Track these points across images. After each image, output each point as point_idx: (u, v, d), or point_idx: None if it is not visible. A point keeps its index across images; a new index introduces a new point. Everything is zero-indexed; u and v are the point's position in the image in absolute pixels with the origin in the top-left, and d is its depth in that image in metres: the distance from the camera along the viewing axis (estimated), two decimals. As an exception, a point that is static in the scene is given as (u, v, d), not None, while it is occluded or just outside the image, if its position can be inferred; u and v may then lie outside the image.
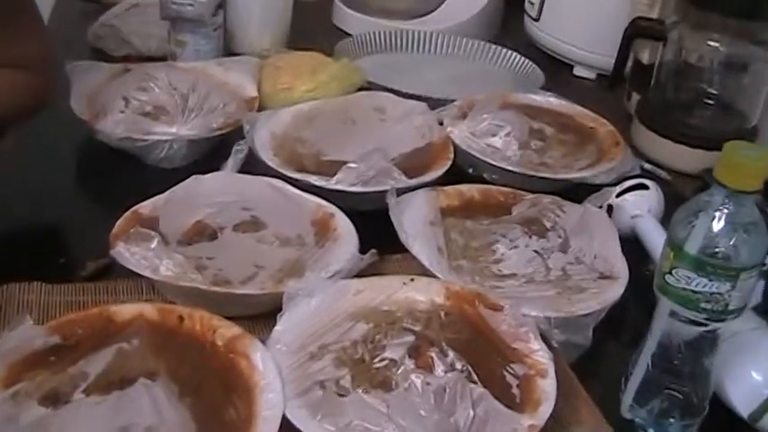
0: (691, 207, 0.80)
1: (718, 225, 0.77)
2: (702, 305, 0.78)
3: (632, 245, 1.07)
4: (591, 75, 1.63)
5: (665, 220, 1.10)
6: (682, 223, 0.79)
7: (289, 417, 0.75)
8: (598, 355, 0.92)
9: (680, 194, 1.22)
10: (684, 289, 0.79)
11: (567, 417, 0.84)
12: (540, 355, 0.84)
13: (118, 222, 0.96)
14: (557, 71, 1.61)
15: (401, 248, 0.99)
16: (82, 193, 1.16)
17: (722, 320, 0.80)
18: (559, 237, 1.01)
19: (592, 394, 0.88)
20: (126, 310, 0.85)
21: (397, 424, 0.74)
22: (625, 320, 0.99)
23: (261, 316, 0.89)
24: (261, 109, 1.24)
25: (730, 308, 0.78)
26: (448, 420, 0.74)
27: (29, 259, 0.99)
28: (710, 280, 0.77)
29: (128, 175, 1.15)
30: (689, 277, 0.78)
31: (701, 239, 0.77)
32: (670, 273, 0.79)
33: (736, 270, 0.77)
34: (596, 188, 1.15)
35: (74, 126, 1.17)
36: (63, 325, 0.82)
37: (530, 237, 1.01)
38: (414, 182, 1.09)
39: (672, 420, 0.85)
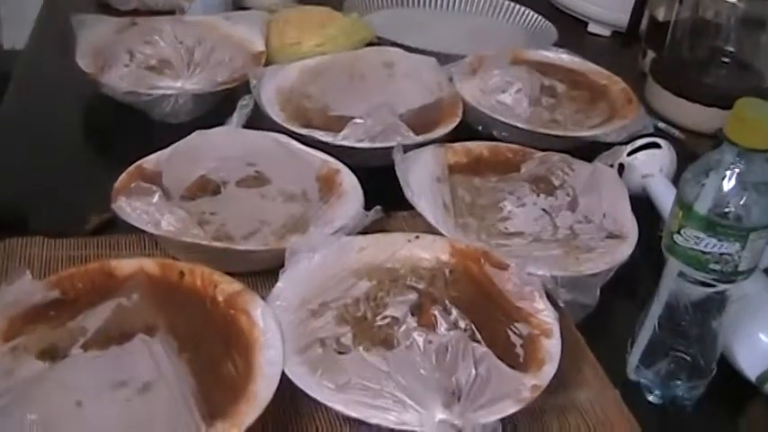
0: (701, 166, 0.78)
1: (728, 184, 0.75)
2: (711, 266, 0.77)
3: (643, 204, 1.05)
4: (605, 32, 1.60)
5: (678, 180, 1.08)
6: (691, 182, 0.78)
7: (288, 374, 0.75)
8: (604, 315, 0.90)
9: (694, 154, 1.18)
10: (693, 249, 0.77)
11: (571, 378, 0.83)
12: (546, 314, 0.83)
13: (120, 177, 0.95)
14: (571, 28, 1.59)
15: (407, 205, 0.98)
16: (86, 147, 1.16)
17: (731, 282, 0.78)
18: (568, 195, 1.00)
19: (597, 355, 0.87)
20: (126, 265, 0.84)
21: (396, 382, 0.73)
22: (633, 281, 0.97)
23: (263, 272, 0.88)
24: (268, 64, 1.22)
25: (740, 269, 0.77)
26: (449, 379, 0.73)
27: (31, 213, 0.98)
28: (720, 240, 0.75)
29: (132, 130, 1.14)
30: (698, 237, 0.76)
31: (710, 199, 0.76)
32: (678, 233, 0.78)
33: (747, 230, 0.75)
34: (607, 146, 1.13)
35: (78, 80, 1.16)
36: (63, 279, 0.81)
37: (537, 195, 0.99)
38: (421, 138, 1.07)
39: (678, 382, 0.84)
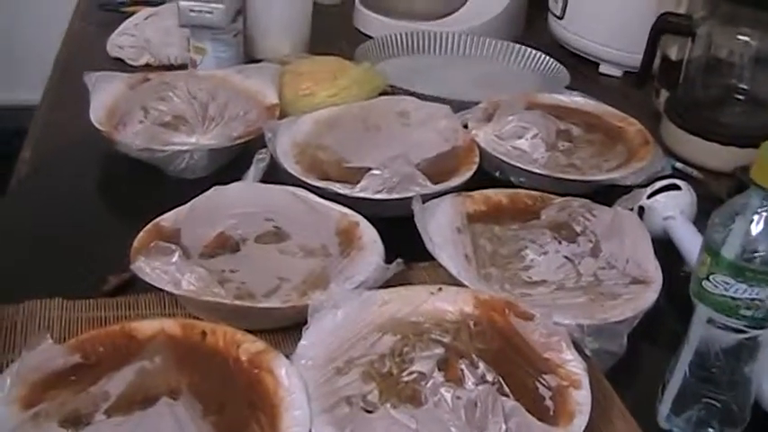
0: (727, 210, 0.77)
1: (756, 228, 0.74)
2: (742, 312, 0.76)
3: (665, 247, 1.04)
4: (617, 72, 1.60)
5: (699, 221, 1.07)
6: (718, 227, 0.77)
7: (315, 434, 0.74)
8: (632, 363, 0.89)
9: (713, 194, 1.19)
10: (723, 295, 0.76)
11: (601, 429, 0.81)
12: (574, 365, 0.82)
13: (139, 236, 0.94)
14: (582, 70, 1.59)
15: (427, 256, 0.97)
16: (102, 205, 1.15)
17: (763, 327, 0.77)
18: (590, 241, 0.99)
19: (626, 404, 0.85)
20: (147, 327, 0.83)
21: (427, 441, 0.71)
22: (659, 326, 0.96)
23: (285, 329, 0.87)
24: (282, 116, 1.22)
25: (771, 314, 0.76)
26: (481, 435, 0.72)
27: (49, 274, 0.98)
28: (750, 286, 0.74)
29: (149, 187, 1.14)
30: (727, 283, 0.75)
31: (738, 244, 0.75)
32: (707, 279, 0.77)
33: (777, 275, 0.74)
34: (626, 189, 1.13)
35: (93, 137, 1.16)
36: (83, 343, 0.81)
37: (559, 242, 0.98)
38: (439, 187, 1.06)
39: (711, 430, 0.82)
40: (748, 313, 0.76)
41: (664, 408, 0.84)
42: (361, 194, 1.04)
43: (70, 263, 1.00)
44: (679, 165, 1.28)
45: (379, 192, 1.04)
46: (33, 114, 1.34)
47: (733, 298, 0.75)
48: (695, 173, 1.28)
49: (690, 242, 1.03)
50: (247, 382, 0.79)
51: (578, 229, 1.00)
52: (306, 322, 0.84)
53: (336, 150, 1.14)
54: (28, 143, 1.26)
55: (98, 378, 0.76)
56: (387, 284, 0.91)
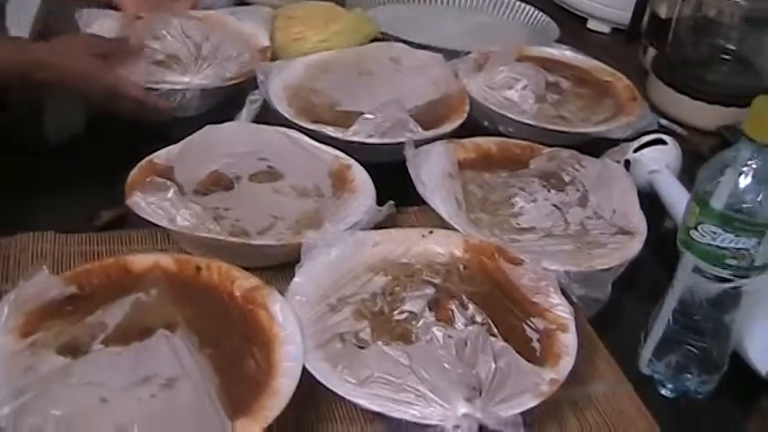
0: (717, 162, 0.78)
1: (744, 180, 0.76)
2: (728, 261, 0.78)
3: (649, 200, 1.06)
4: (605, 29, 1.61)
5: (683, 177, 1.09)
6: (708, 179, 0.78)
7: (309, 369, 0.75)
8: (614, 310, 0.91)
9: (696, 151, 1.21)
10: (710, 245, 0.78)
11: (585, 372, 0.84)
12: (561, 309, 0.84)
13: (132, 172, 0.95)
14: (570, 25, 1.59)
15: (417, 201, 0.98)
16: (95, 142, 1.15)
17: (747, 277, 0.79)
18: (578, 191, 1.00)
19: (609, 349, 0.88)
20: (142, 260, 0.84)
21: (419, 376, 0.73)
22: (641, 276, 0.98)
23: (278, 267, 0.88)
24: (273, 59, 1.22)
25: (756, 264, 0.77)
26: (470, 373, 0.73)
27: (41, 209, 0.98)
28: (736, 236, 0.76)
29: (141, 125, 1.13)
30: (714, 233, 0.77)
31: (727, 195, 0.76)
32: (695, 228, 0.78)
33: (763, 226, 0.76)
34: (613, 143, 1.14)
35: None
36: (79, 275, 0.81)
37: (548, 190, 1.00)
38: (430, 134, 1.07)
39: (689, 375, 0.84)
40: (734, 263, 0.77)
41: (646, 353, 0.86)
42: (354, 138, 1.05)
43: (62, 198, 1.00)
44: (664, 121, 1.29)
45: (371, 136, 1.05)
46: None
47: (720, 247, 0.77)
48: (680, 130, 1.29)
49: (674, 195, 1.05)
50: (242, 318, 0.80)
51: (567, 178, 1.01)
52: (299, 261, 0.86)
53: (329, 94, 1.14)
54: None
55: (94, 309, 0.77)
56: (378, 227, 0.93)
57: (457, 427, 0.71)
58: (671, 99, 1.33)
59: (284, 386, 0.72)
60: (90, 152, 1.09)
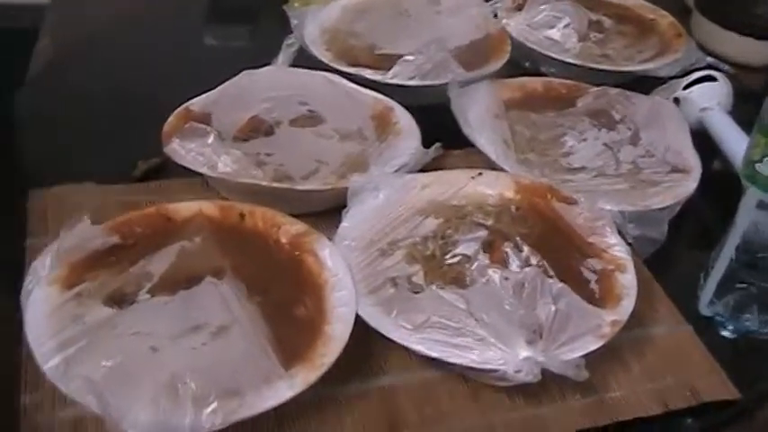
0: (784, 91, 0.75)
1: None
2: (796, 194, 0.74)
3: (697, 139, 1.02)
4: (645, -34, 1.56)
5: (733, 115, 1.05)
6: (774, 108, 0.75)
7: (362, 315, 0.73)
8: (668, 252, 0.88)
9: (747, 89, 1.17)
10: (777, 177, 0.74)
11: (644, 314, 0.81)
12: (619, 249, 0.81)
13: (169, 119, 0.92)
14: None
15: (462, 143, 0.96)
16: (126, 92, 1.12)
17: (815, 210, 0.75)
18: (629, 129, 0.97)
19: (665, 291, 0.85)
20: (184, 209, 0.82)
21: (479, 319, 0.71)
22: (693, 217, 0.95)
23: (324, 213, 0.85)
24: (307, 4, 1.19)
25: (825, 196, 0.74)
26: (531, 315, 0.71)
27: (76, 161, 0.95)
28: (806, 166, 0.73)
29: (174, 74, 1.11)
30: (782, 164, 0.74)
31: (794, 125, 0.73)
32: (761, 161, 0.75)
33: (834, 155, 0.72)
34: (660, 81, 1.11)
35: (113, 29, 1.12)
36: (120, 225, 0.79)
37: (599, 129, 0.97)
38: (473, 74, 1.04)
39: (748, 315, 0.82)
40: (802, 195, 0.74)
41: (707, 294, 0.83)
42: (394, 80, 1.02)
43: (97, 149, 0.98)
44: (711, 59, 1.25)
45: (412, 78, 1.02)
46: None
47: (787, 180, 0.74)
48: (727, 68, 1.25)
49: (728, 133, 1.02)
50: (290, 264, 0.78)
51: (617, 117, 0.99)
52: (345, 206, 0.83)
53: (367, 37, 1.11)
54: (44, 33, 1.22)
55: (138, 259, 0.75)
56: (424, 169, 0.90)
57: (519, 371, 0.69)
58: (717, 36, 1.28)
59: (338, 332, 0.70)
60: (124, 101, 1.07)
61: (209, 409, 0.62)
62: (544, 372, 0.69)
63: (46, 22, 1.25)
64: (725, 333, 0.83)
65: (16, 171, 0.94)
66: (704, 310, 0.84)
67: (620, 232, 0.83)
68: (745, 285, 0.81)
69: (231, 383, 0.64)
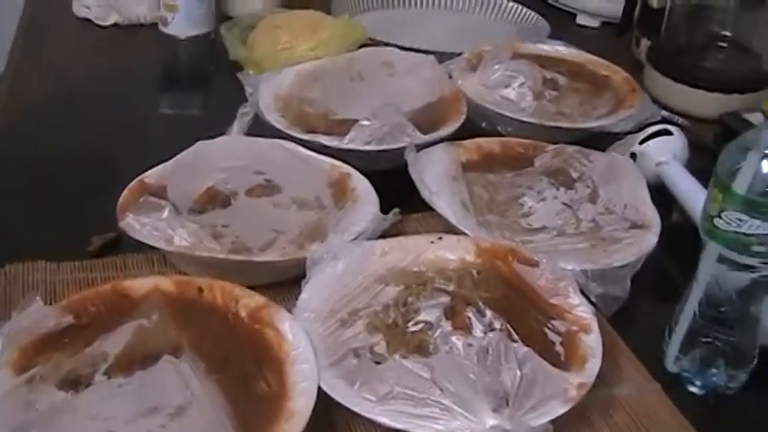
0: (738, 145, 0.75)
1: (769, 162, 0.72)
2: (755, 248, 0.74)
3: (658, 192, 1.03)
4: (595, 23, 1.58)
5: (689, 167, 1.06)
6: (728, 163, 0.75)
7: (324, 388, 0.71)
8: (631, 308, 0.87)
9: (700, 141, 1.18)
10: (735, 232, 0.74)
11: (611, 373, 0.80)
12: (582, 309, 0.80)
13: (124, 193, 0.90)
14: (559, 21, 1.55)
15: (418, 207, 0.95)
16: (79, 166, 1.10)
17: (776, 264, 0.75)
18: (587, 186, 0.97)
19: (631, 349, 0.84)
20: (140, 285, 0.80)
21: (443, 388, 0.69)
22: (654, 272, 0.94)
23: (283, 283, 0.84)
24: (261, 71, 1.18)
25: (785, 250, 0.74)
26: (496, 382, 0.70)
27: (30, 238, 0.94)
28: (764, 221, 0.73)
29: (127, 146, 1.10)
30: (740, 219, 0.74)
31: (750, 179, 0.73)
32: (719, 216, 0.75)
33: (792, 209, 0.72)
34: (616, 137, 1.11)
35: (64, 98, 1.12)
36: (74, 303, 0.77)
37: (557, 188, 0.97)
38: (429, 137, 1.04)
39: (714, 370, 0.81)
40: (761, 249, 0.74)
41: (672, 350, 0.83)
42: (351, 146, 1.01)
43: (50, 225, 0.96)
44: (665, 113, 1.26)
45: (368, 143, 1.01)
46: (-1, 78, 1.30)
47: (746, 234, 0.74)
48: (681, 120, 1.26)
49: (685, 186, 1.02)
50: (249, 338, 0.76)
51: (575, 174, 0.99)
52: (304, 275, 0.82)
53: (322, 103, 1.11)
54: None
55: (92, 339, 0.73)
56: (383, 236, 0.89)
57: (486, 439, 0.67)
58: (670, 89, 1.30)
59: (300, 407, 0.68)
60: (77, 173, 1.05)
61: (169, 495, 0.60)
62: (512, 439, 0.68)
63: (2, 85, 1.24)
64: (693, 389, 0.82)
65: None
66: (671, 366, 0.83)
67: (582, 292, 0.83)
68: (710, 340, 0.80)
69: (191, 467, 0.63)
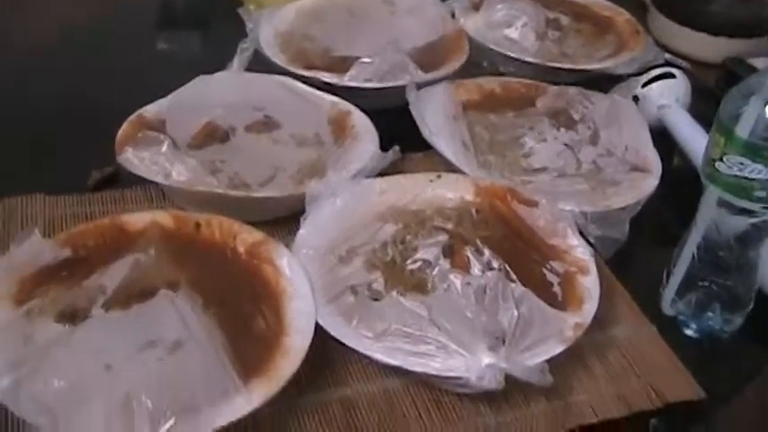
0: (741, 90, 0.74)
1: (772, 107, 0.72)
2: (756, 193, 0.73)
3: (659, 136, 1.02)
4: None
5: (691, 111, 1.05)
6: (731, 107, 0.74)
7: (322, 324, 0.71)
8: (632, 251, 0.87)
9: (702, 85, 1.17)
10: (736, 176, 0.74)
11: (607, 315, 0.80)
12: (581, 251, 0.80)
13: (122, 127, 0.90)
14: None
15: (420, 146, 0.95)
16: (77, 101, 1.09)
17: (776, 209, 0.75)
18: (588, 128, 0.97)
19: (628, 291, 0.84)
20: (138, 219, 0.80)
21: (440, 326, 0.70)
22: (653, 216, 0.94)
23: (281, 220, 0.84)
24: (261, 7, 1.17)
25: (785, 195, 0.74)
26: (493, 321, 0.70)
27: (28, 172, 0.93)
28: (766, 166, 0.72)
29: (127, 80, 1.08)
30: (742, 164, 0.73)
31: (752, 123, 0.72)
32: (720, 159, 0.74)
33: (794, 154, 0.72)
34: (618, 79, 1.10)
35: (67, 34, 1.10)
36: (73, 237, 0.77)
37: (558, 129, 0.96)
38: (430, 76, 1.03)
39: (710, 314, 0.81)
40: (762, 194, 0.73)
41: (669, 293, 0.83)
42: (351, 83, 1.00)
43: (48, 159, 0.95)
44: (668, 56, 1.25)
45: (369, 80, 1.00)
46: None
47: (747, 179, 0.73)
48: (684, 63, 1.25)
49: (686, 130, 1.01)
50: (247, 274, 0.76)
51: (576, 116, 0.98)
52: (302, 213, 0.82)
53: (322, 40, 1.10)
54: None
55: (90, 272, 0.73)
56: (382, 174, 0.89)
57: (481, 378, 0.68)
58: (673, 32, 1.28)
59: (297, 343, 0.69)
60: (76, 110, 1.05)
61: (166, 427, 0.61)
62: (508, 378, 0.68)
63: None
64: (688, 332, 0.82)
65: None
66: (667, 309, 0.83)
67: (581, 233, 0.83)
68: (707, 284, 0.80)
69: (188, 400, 0.63)
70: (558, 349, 0.71)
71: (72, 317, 0.69)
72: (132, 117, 0.92)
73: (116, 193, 0.90)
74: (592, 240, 0.84)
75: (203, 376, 0.65)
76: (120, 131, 0.89)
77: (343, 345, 0.71)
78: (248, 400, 0.64)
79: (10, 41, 1.19)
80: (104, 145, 0.88)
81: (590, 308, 0.75)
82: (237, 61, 1.02)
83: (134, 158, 0.85)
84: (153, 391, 0.62)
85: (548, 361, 0.70)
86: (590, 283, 0.77)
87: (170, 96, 0.95)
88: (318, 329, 0.71)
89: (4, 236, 0.83)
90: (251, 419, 0.65)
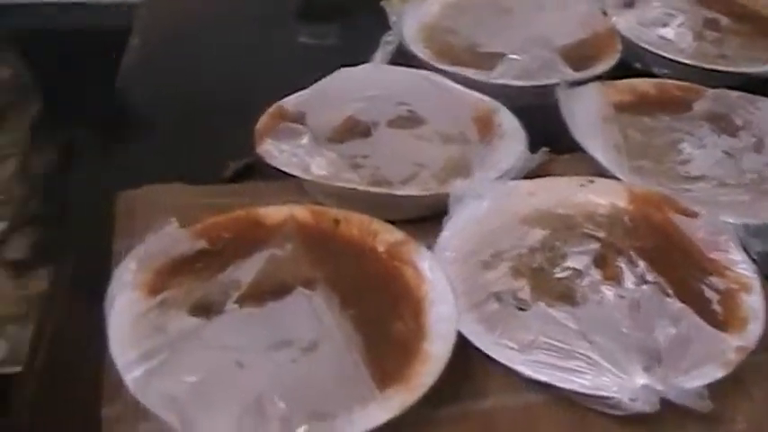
0: None
1: None
2: None
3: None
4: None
5: None
6: None
7: (463, 332, 0.67)
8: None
9: None
10: None
11: (769, 338, 0.74)
12: (744, 267, 0.74)
13: (262, 118, 0.88)
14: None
15: (568, 148, 0.90)
16: (217, 91, 1.09)
17: None
18: (753, 136, 0.90)
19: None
20: (275, 213, 0.77)
21: (591, 341, 0.65)
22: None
23: (423, 220, 0.80)
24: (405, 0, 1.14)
25: None
26: (651, 338, 0.65)
27: (166, 161, 0.93)
28: None
29: (267, 73, 1.07)
30: None
31: None
32: None
33: None
34: (780, 84, 1.03)
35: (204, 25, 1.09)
36: (208, 228, 0.75)
37: (718, 135, 0.90)
38: (582, 75, 0.98)
39: None
40: None
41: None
42: (499, 80, 0.96)
43: (187, 149, 0.95)
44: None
45: (518, 77, 0.97)
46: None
47: None
48: None
49: None
50: (386, 275, 0.73)
51: (739, 122, 0.92)
52: (444, 213, 0.78)
53: (468, 34, 1.07)
54: (135, 33, 1.20)
55: (225, 265, 0.71)
56: (529, 176, 0.84)
57: (635, 399, 0.63)
58: None
59: (438, 350, 0.65)
60: (215, 100, 1.04)
61: (299, 432, 0.58)
62: (662, 401, 0.63)
63: (136, 22, 1.23)
64: None
65: (105, 172, 0.91)
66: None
67: (743, 248, 0.77)
68: None
69: (322, 405, 0.60)
70: (719, 374, 0.65)
71: (206, 310, 0.67)
72: (273, 108, 0.90)
73: (252, 185, 0.88)
74: (753, 256, 0.78)
75: (338, 381, 0.62)
76: (260, 123, 0.88)
77: (486, 355, 0.67)
78: (385, 408, 0.61)
79: (154, 32, 1.19)
80: (241, 136, 0.87)
81: (755, 329, 0.69)
82: (380, 54, 0.99)
83: (274, 150, 0.83)
84: (285, 393, 0.59)
85: (707, 386, 0.64)
86: (755, 303, 0.71)
87: (311, 88, 0.93)
88: (459, 337, 0.67)
89: (142, 224, 0.81)
90: (387, 428, 0.61)
